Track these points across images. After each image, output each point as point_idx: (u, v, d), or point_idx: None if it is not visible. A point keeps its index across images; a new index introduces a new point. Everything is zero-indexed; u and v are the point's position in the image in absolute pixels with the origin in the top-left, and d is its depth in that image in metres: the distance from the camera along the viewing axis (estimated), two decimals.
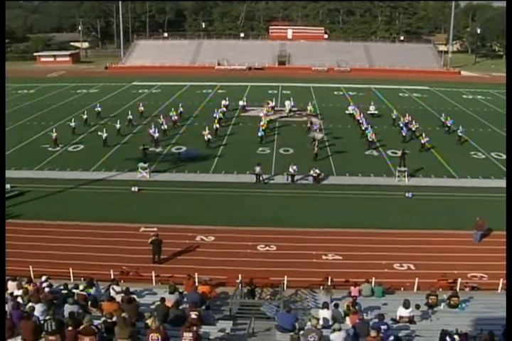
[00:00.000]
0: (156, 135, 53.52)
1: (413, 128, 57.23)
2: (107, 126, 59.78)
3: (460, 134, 55.07)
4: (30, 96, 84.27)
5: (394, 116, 62.80)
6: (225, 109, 67.07)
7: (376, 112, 67.23)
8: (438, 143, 54.38)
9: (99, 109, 66.64)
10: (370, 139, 52.71)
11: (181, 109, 66.37)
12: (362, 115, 61.61)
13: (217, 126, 57.71)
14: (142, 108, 67.36)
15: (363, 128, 56.83)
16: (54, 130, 55.15)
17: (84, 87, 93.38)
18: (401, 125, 58.48)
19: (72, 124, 58.33)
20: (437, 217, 36.66)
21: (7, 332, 17.59)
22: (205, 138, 53.32)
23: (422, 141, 52.34)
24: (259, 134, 55.72)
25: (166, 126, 57.39)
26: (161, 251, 30.33)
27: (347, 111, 66.68)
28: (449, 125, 59.57)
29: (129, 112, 63.40)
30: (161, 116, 59.95)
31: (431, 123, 62.76)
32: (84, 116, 62.16)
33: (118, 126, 57.83)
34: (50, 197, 40.65)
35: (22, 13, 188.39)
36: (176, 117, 61.96)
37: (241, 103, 71.14)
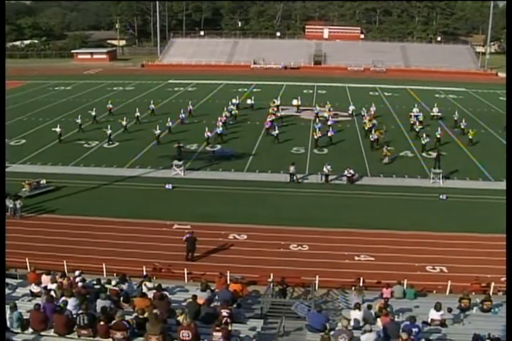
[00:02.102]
0: (158, 132, 54.13)
1: (417, 129, 57.66)
2: (112, 123, 60.55)
3: None
4: (67, 93, 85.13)
5: (455, 118, 62.52)
6: (232, 107, 67.48)
7: (440, 114, 66.63)
8: (477, 145, 54.19)
9: (110, 106, 67.92)
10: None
11: (191, 107, 67.28)
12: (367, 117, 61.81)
13: (221, 124, 58.15)
14: (153, 106, 68.21)
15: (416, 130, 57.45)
16: (59, 126, 55.86)
17: (121, 85, 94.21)
18: (462, 126, 58.54)
19: (78, 121, 59.13)
20: (471, 220, 36.31)
21: (40, 324, 17.85)
22: (205, 135, 53.66)
23: (423, 142, 51.94)
24: (266, 126, 58.08)
25: (170, 124, 58.23)
26: (195, 248, 30.46)
27: (411, 113, 65.94)
28: None
29: (137, 110, 64.07)
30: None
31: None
32: (93, 113, 62.91)
33: (124, 123, 58.58)
34: (84, 193, 41.06)
35: (60, 11, 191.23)
36: (183, 115, 63.02)
37: (249, 101, 71.64)
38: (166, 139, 55.11)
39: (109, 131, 54.27)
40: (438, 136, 53.82)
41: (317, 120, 61.03)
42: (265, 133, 57.67)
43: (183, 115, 62.99)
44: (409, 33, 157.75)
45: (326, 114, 63.07)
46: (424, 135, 52.91)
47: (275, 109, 65.87)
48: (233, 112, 64.78)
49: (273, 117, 60.93)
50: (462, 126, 58.78)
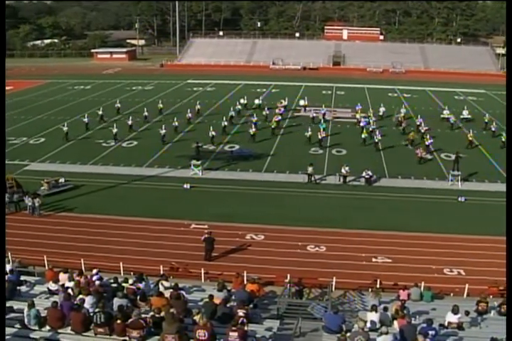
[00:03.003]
0: (163, 131, 54.27)
1: (422, 130, 57.06)
2: (119, 122, 60.90)
3: None
4: (86, 92, 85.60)
5: (486, 120, 62.14)
6: (240, 107, 67.64)
7: (470, 117, 66.09)
8: (494, 147, 53.78)
9: (119, 105, 68.47)
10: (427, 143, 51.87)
11: (198, 107, 67.61)
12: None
13: (226, 123, 58.35)
14: (161, 105, 68.44)
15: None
16: (65, 124, 56.58)
17: (140, 84, 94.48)
18: (493, 129, 58.30)
19: (85, 120, 59.50)
20: (490, 223, 35.93)
21: (57, 322, 17.95)
22: (210, 134, 53.69)
23: (426, 143, 51.60)
24: (272, 127, 58.50)
25: (177, 123, 58.35)
26: (213, 248, 30.47)
27: (442, 116, 65.60)
28: None
29: (145, 109, 64.52)
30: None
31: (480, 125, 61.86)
32: (100, 112, 63.38)
33: (130, 122, 58.89)
34: (103, 192, 41.27)
35: (81, 11, 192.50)
36: (190, 115, 63.04)
37: (256, 101, 71.41)
38: (173, 138, 55.72)
39: (115, 130, 54.74)
40: (470, 139, 53.65)
41: (322, 120, 60.93)
42: (274, 133, 57.76)
43: (190, 114, 63.00)
44: (429, 34, 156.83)
45: (358, 116, 62.98)
46: (428, 136, 52.79)
47: (281, 109, 66.00)
48: (264, 113, 64.09)
49: (280, 117, 61.44)
50: (493, 129, 58.40)
